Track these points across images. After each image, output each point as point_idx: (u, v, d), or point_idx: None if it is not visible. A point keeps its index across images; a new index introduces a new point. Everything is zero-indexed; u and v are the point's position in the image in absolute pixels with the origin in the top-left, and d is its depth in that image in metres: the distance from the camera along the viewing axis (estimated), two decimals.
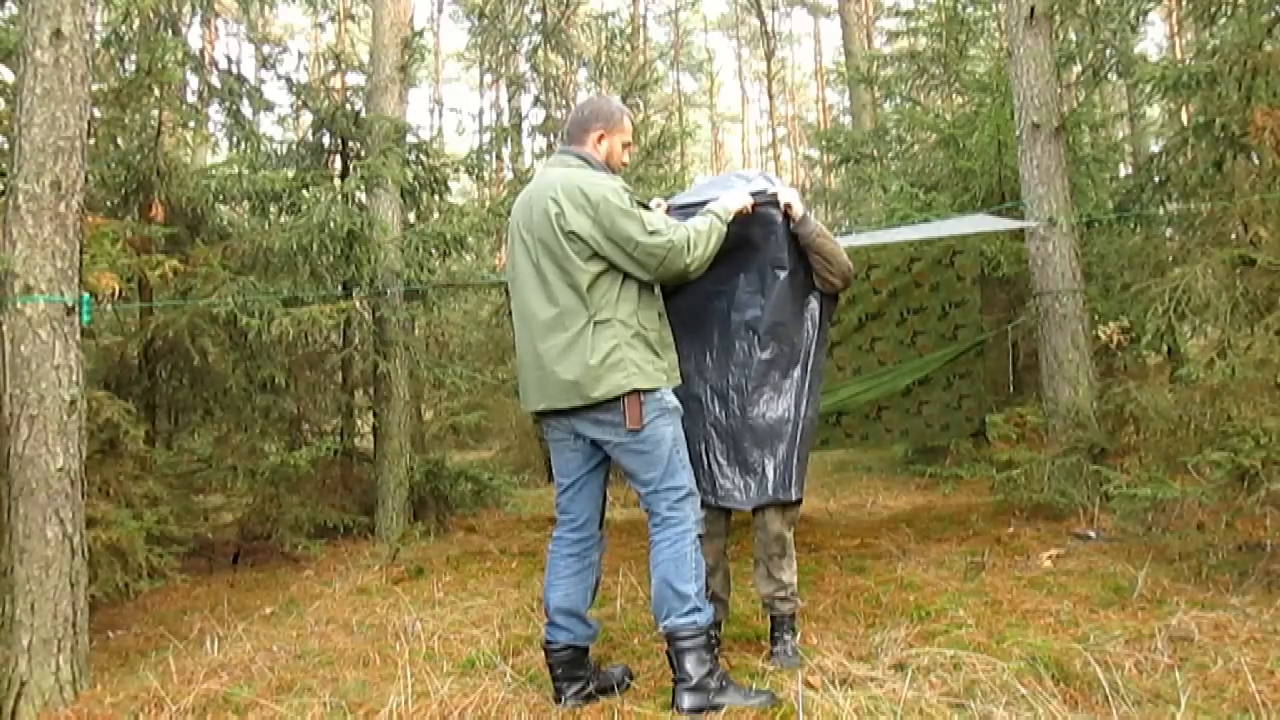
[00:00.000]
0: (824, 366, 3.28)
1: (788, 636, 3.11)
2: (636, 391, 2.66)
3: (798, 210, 3.05)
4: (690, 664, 2.64)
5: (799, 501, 3.13)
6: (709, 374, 3.13)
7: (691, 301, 3.17)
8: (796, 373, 3.13)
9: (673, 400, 2.79)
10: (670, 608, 2.68)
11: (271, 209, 6.48)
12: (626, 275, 2.71)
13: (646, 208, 2.78)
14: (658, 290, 2.88)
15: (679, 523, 2.73)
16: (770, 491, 3.05)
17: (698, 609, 2.67)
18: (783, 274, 3.09)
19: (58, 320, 3.21)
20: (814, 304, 3.18)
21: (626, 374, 2.65)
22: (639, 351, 2.69)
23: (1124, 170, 10.25)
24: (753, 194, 3.02)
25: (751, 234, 3.08)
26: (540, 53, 10.76)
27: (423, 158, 7.20)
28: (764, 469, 3.06)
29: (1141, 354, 6.06)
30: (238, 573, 5.50)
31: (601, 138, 2.87)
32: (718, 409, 3.11)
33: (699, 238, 2.73)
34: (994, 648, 3.03)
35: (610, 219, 2.65)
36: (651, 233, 2.66)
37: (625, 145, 2.94)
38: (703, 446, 3.10)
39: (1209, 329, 4.77)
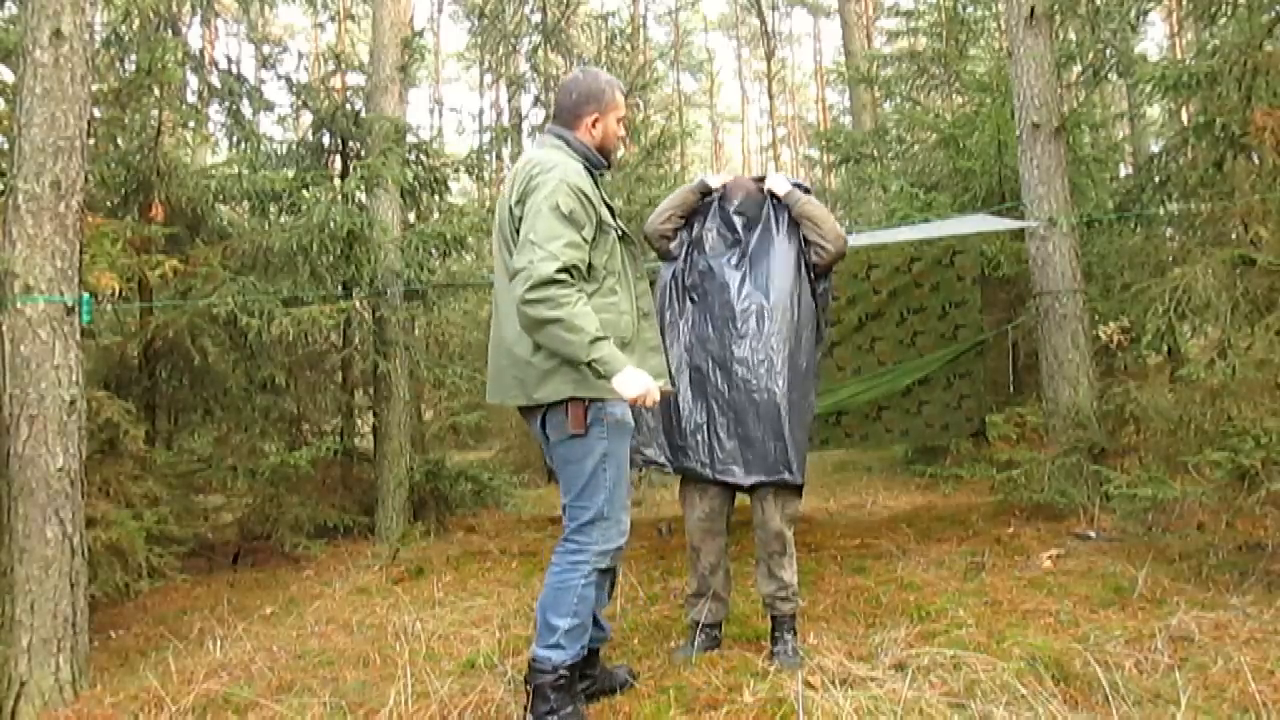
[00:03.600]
0: (818, 353, 3.31)
1: (788, 636, 3.11)
2: (579, 400, 2.49)
3: (781, 188, 3.21)
4: (537, 700, 2.52)
5: (799, 491, 3.12)
6: (711, 344, 3.14)
7: (694, 273, 3.22)
8: (798, 353, 3.14)
9: (621, 413, 2.58)
10: (539, 634, 2.58)
11: (271, 209, 6.47)
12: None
13: (580, 225, 2.45)
14: (622, 287, 2.63)
15: (577, 550, 2.57)
16: (768, 470, 3.02)
17: (559, 646, 2.52)
18: (780, 254, 3.17)
19: (58, 320, 3.21)
20: (811, 285, 3.22)
21: (566, 379, 2.47)
22: None
23: (1124, 170, 10.26)
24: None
25: (751, 217, 3.20)
26: (540, 53, 10.76)
27: (423, 158, 7.20)
28: (763, 444, 3.04)
29: (1141, 354, 6.07)
30: (238, 573, 5.50)
31: (596, 122, 2.67)
32: (720, 380, 3.11)
33: (557, 305, 2.33)
34: (994, 648, 3.03)
35: (536, 205, 2.42)
36: (534, 243, 2.37)
37: (619, 120, 2.74)
38: (704, 418, 3.11)
39: (1209, 329, 4.77)
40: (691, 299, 3.23)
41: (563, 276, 2.36)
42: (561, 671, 2.54)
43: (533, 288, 2.35)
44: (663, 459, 3.17)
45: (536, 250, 2.37)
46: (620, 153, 9.94)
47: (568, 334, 2.35)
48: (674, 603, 3.96)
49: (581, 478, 2.56)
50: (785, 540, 3.13)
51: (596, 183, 2.63)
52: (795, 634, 3.14)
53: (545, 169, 2.50)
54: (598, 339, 2.36)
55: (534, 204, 2.45)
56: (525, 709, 2.58)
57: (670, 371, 3.02)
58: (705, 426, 3.10)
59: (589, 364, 2.38)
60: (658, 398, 2.48)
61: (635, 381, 2.41)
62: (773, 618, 3.15)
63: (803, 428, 3.13)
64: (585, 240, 2.46)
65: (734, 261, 3.19)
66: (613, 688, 2.83)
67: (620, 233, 2.66)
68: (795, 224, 3.21)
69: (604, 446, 2.54)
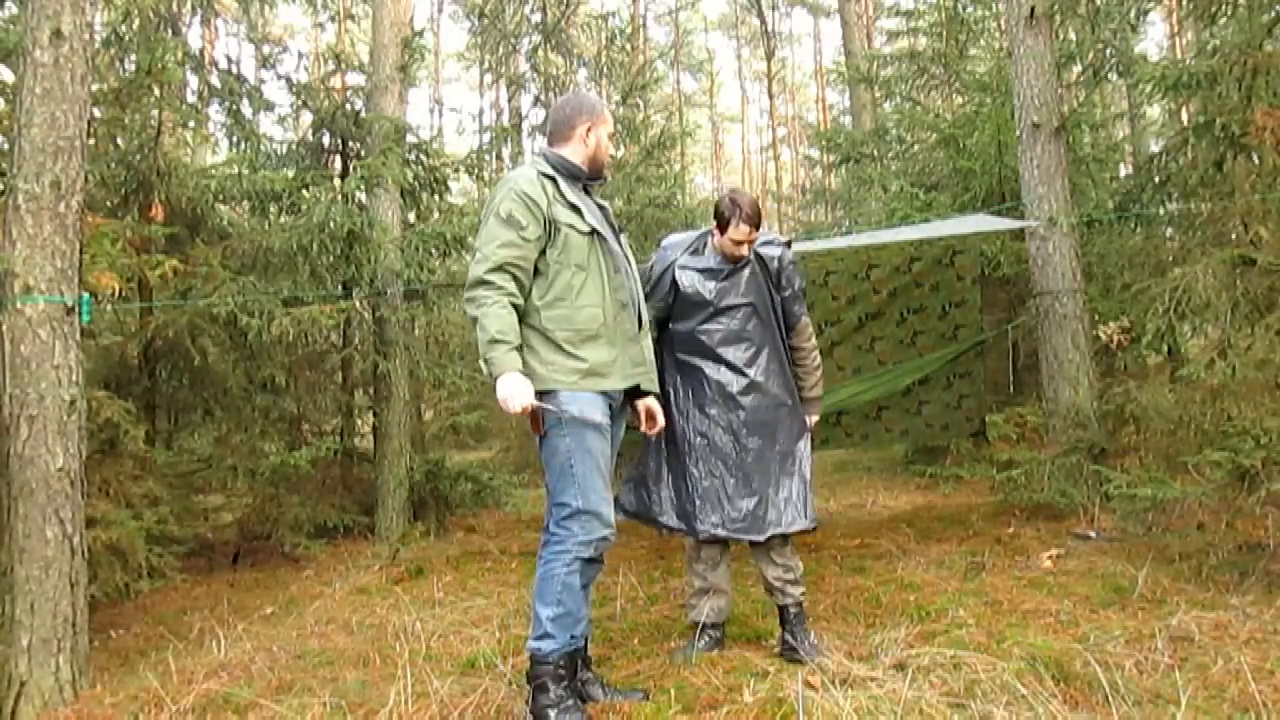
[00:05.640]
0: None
1: (804, 629, 3.15)
2: (536, 394, 2.55)
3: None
4: (537, 693, 2.57)
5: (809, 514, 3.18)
6: (711, 409, 3.16)
7: (693, 338, 3.21)
8: (794, 405, 3.22)
9: (578, 409, 2.59)
10: (531, 627, 2.65)
11: (271, 209, 6.47)
12: (535, 269, 2.64)
13: (520, 225, 2.58)
14: (591, 282, 2.67)
15: (560, 541, 2.64)
16: (782, 524, 3.10)
17: (548, 635, 2.59)
18: (774, 314, 3.22)
19: (58, 320, 3.21)
20: (785, 335, 3.28)
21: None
22: (537, 352, 2.60)
23: (1124, 170, 10.26)
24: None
25: (741, 279, 3.19)
26: (540, 53, 10.77)
27: (423, 158, 7.20)
28: (774, 501, 3.11)
29: (1141, 354, 6.06)
30: (238, 573, 5.50)
31: (590, 130, 2.78)
32: (725, 443, 3.15)
33: (478, 304, 2.53)
34: (994, 648, 3.03)
35: (485, 215, 2.65)
36: (476, 248, 2.62)
37: (610, 136, 2.85)
38: (711, 481, 3.14)
39: (1209, 329, 4.77)
40: (680, 366, 3.23)
41: (491, 277, 2.55)
42: (558, 662, 2.59)
43: (467, 288, 2.60)
44: (683, 525, 3.19)
45: (476, 254, 2.63)
46: (625, 150, 9.95)
47: (480, 331, 2.53)
48: (674, 603, 3.96)
49: (553, 474, 2.66)
50: (786, 534, 3.18)
51: (560, 186, 2.70)
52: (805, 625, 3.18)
53: (502, 183, 2.72)
54: (495, 340, 2.50)
55: (484, 214, 2.70)
56: (528, 705, 2.60)
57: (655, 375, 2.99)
58: (715, 490, 3.13)
59: (484, 360, 2.53)
60: (515, 409, 2.48)
61: (503, 386, 2.49)
62: (781, 609, 3.17)
63: (809, 471, 3.21)
64: (526, 239, 2.59)
65: (717, 327, 3.17)
66: (583, 696, 2.74)
67: (590, 230, 2.70)
68: (773, 280, 3.22)
69: (567, 444, 2.62)
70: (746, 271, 3.20)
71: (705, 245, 3.27)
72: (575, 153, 2.78)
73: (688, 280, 3.20)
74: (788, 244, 3.32)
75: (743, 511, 3.10)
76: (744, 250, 3.16)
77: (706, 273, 3.19)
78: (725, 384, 3.15)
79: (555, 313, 2.63)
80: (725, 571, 3.28)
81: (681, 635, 3.44)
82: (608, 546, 2.72)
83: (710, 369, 3.17)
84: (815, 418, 3.35)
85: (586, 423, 2.61)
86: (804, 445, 3.22)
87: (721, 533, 3.10)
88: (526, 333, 2.62)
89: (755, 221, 3.10)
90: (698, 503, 3.14)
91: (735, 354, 3.15)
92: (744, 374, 3.15)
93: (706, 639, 3.21)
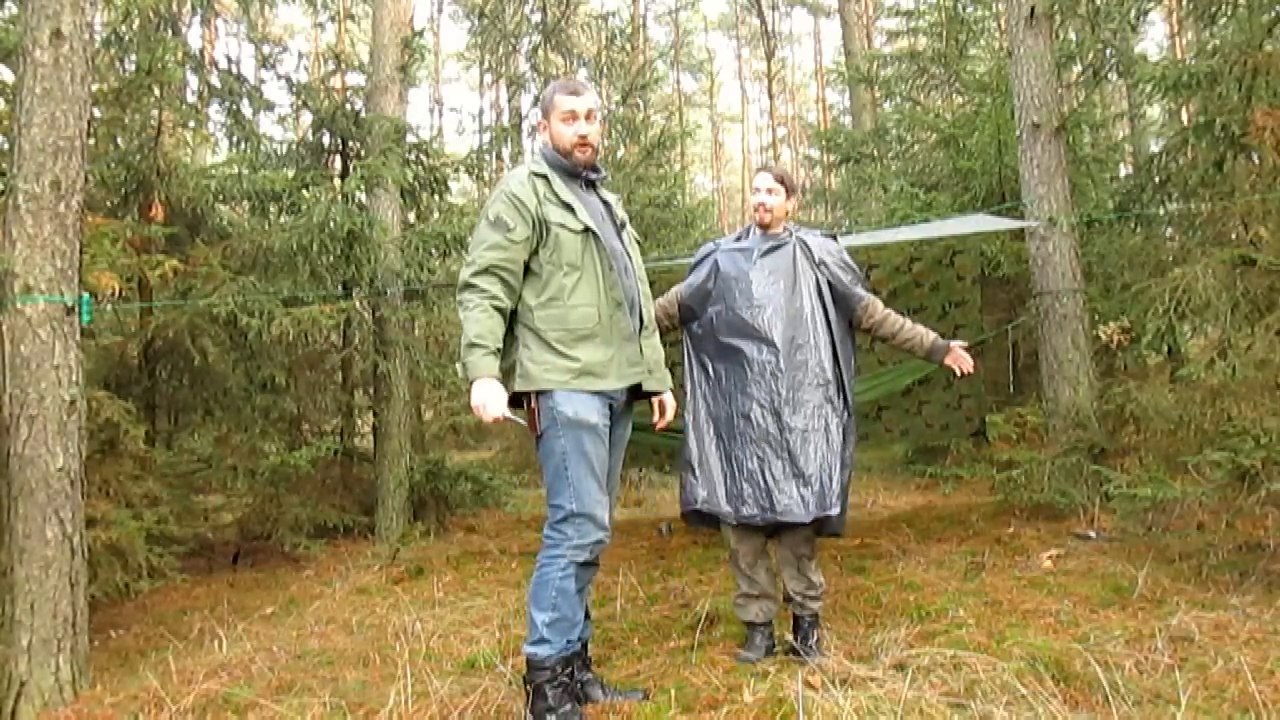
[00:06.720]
0: (853, 380, 3.34)
1: (815, 634, 3.17)
2: (531, 394, 2.61)
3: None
4: (535, 698, 2.57)
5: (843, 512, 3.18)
6: (752, 388, 3.16)
7: (734, 316, 3.23)
8: (834, 388, 3.20)
9: (573, 411, 2.59)
10: (528, 631, 2.65)
11: (271, 209, 6.48)
12: (529, 269, 2.66)
13: (507, 227, 2.61)
14: (585, 281, 2.65)
15: (554, 545, 2.65)
16: (823, 505, 3.07)
17: (544, 640, 2.59)
18: (819, 299, 3.23)
19: (58, 320, 3.21)
20: (844, 324, 3.31)
21: (517, 374, 2.62)
22: (531, 351, 2.62)
23: (1124, 170, 10.25)
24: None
25: (782, 259, 3.24)
26: (540, 53, 10.77)
27: (423, 158, 7.20)
28: (818, 481, 3.08)
29: (1141, 354, 6.06)
30: (238, 573, 5.51)
31: (545, 128, 2.81)
32: (769, 424, 3.13)
33: (464, 308, 2.58)
34: (994, 648, 3.03)
35: (480, 216, 2.71)
36: (467, 253, 2.68)
37: (566, 117, 2.71)
38: (756, 463, 3.12)
39: (1209, 329, 4.77)
40: (723, 350, 3.24)
41: (476, 281, 2.59)
42: (555, 666, 2.58)
43: (457, 292, 2.64)
44: (727, 509, 3.16)
45: (466, 258, 2.67)
46: (625, 150, 9.91)
47: (462, 334, 2.57)
48: (674, 603, 3.96)
49: (549, 475, 2.67)
50: (813, 544, 3.20)
51: (553, 184, 2.69)
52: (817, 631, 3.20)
53: (498, 186, 2.77)
54: (473, 344, 2.52)
55: (479, 217, 2.73)
56: (526, 708, 2.60)
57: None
58: (759, 472, 3.11)
59: (460, 364, 2.57)
60: (488, 419, 2.52)
61: (477, 393, 2.52)
62: (798, 617, 3.20)
63: (851, 457, 3.21)
64: (513, 241, 2.61)
65: (757, 304, 3.19)
66: (582, 697, 2.74)
67: (583, 228, 2.67)
68: (815, 264, 3.26)
69: (562, 445, 2.61)
70: (786, 251, 3.25)
71: (750, 232, 3.37)
72: (550, 146, 2.79)
73: (728, 260, 3.28)
74: (832, 235, 3.44)
75: (787, 492, 3.07)
76: (765, 200, 3.25)
77: (746, 252, 3.28)
78: (765, 362, 3.15)
79: (548, 312, 2.63)
80: (768, 573, 3.25)
81: (681, 635, 3.44)
82: (603, 549, 2.70)
83: (750, 348, 3.17)
84: (955, 343, 3.35)
85: (581, 424, 2.61)
86: (849, 434, 3.21)
87: (769, 516, 3.07)
88: (522, 332, 2.64)
89: (778, 175, 3.30)
90: (744, 486, 3.12)
91: (775, 333, 3.15)
92: (783, 351, 3.14)
93: (760, 636, 3.21)
